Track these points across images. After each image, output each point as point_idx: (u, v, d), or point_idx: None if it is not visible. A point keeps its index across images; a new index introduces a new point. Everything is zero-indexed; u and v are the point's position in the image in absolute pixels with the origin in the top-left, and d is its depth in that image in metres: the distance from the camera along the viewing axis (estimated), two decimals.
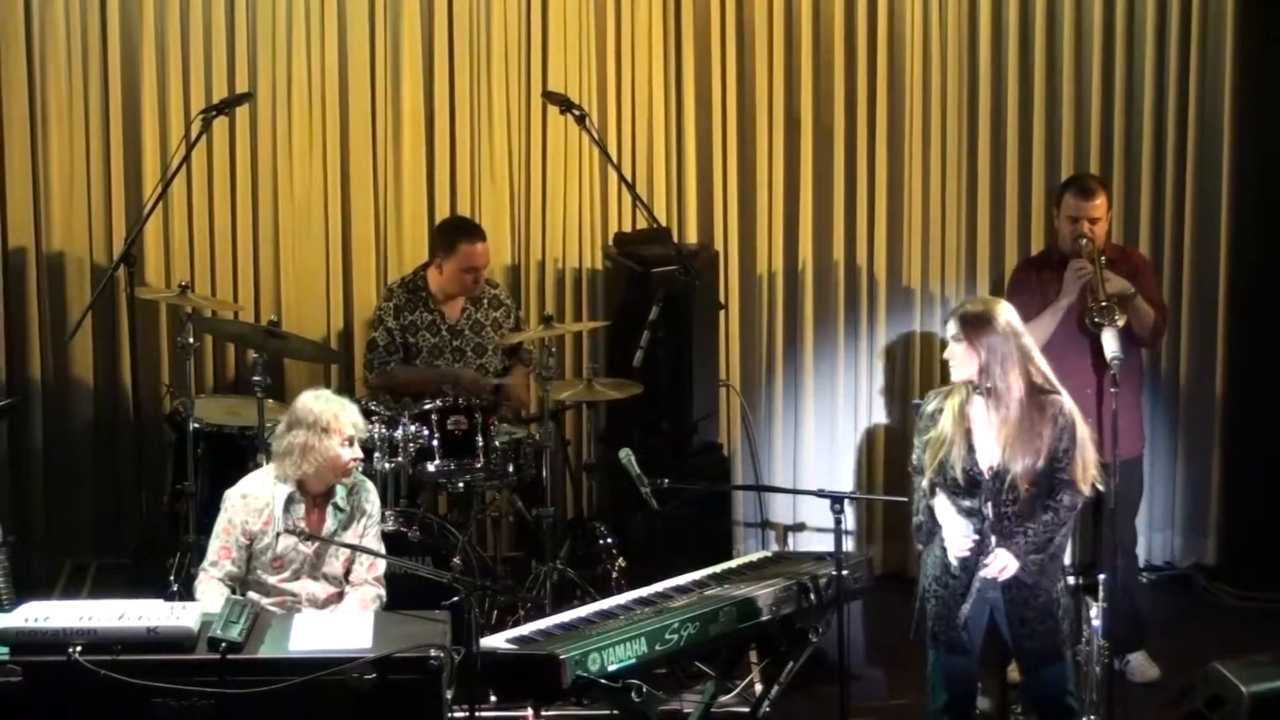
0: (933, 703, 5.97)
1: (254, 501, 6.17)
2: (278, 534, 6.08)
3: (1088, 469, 5.74)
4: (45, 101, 8.02)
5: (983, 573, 5.71)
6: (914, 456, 5.91)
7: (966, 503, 5.73)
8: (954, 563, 5.75)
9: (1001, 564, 5.70)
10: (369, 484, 6.34)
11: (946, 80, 8.32)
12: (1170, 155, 8.36)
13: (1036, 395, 5.71)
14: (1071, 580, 5.89)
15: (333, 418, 6.11)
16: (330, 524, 6.17)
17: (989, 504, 5.69)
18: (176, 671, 5.31)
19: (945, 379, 8.33)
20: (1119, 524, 6.89)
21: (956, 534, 5.74)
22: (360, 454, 6.17)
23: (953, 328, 5.75)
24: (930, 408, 5.84)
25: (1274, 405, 8.25)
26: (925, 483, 5.80)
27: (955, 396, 5.78)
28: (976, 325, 5.70)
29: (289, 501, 6.12)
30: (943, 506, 5.77)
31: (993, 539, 5.70)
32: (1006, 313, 5.76)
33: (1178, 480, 8.54)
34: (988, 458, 5.71)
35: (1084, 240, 7.07)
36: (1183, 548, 8.56)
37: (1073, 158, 8.33)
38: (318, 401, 6.17)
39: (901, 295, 8.43)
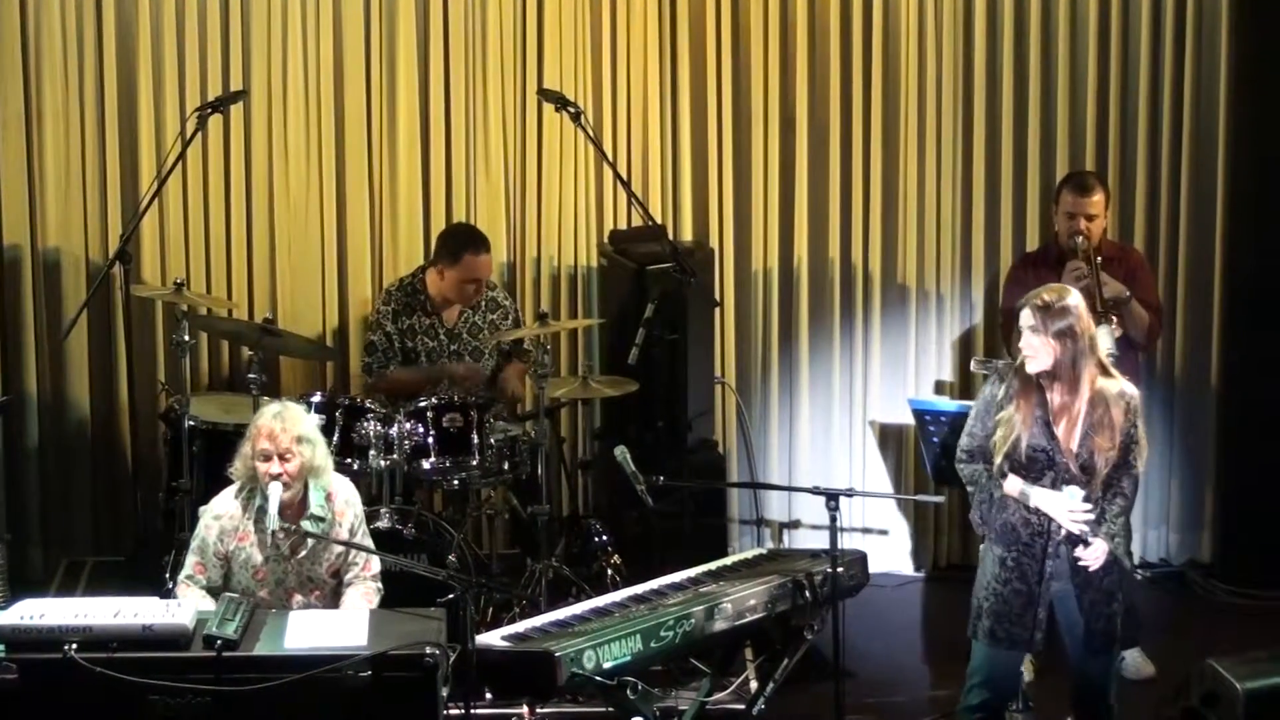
0: (967, 698, 5.97)
1: (228, 521, 6.13)
2: (273, 531, 6.04)
3: (1143, 455, 5.85)
4: (40, 99, 8.01)
5: (1082, 562, 5.77)
6: (968, 439, 5.90)
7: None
8: (1076, 529, 5.76)
9: (1098, 553, 5.77)
10: (345, 487, 6.26)
11: (942, 78, 8.32)
12: (1166, 152, 8.36)
13: (1107, 381, 5.79)
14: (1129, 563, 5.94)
15: (255, 430, 6.05)
16: (308, 540, 6.13)
17: (1062, 485, 5.76)
18: (172, 669, 5.32)
19: (942, 375, 8.39)
20: None
21: (1063, 505, 5.76)
22: (277, 469, 6.00)
23: (1029, 318, 5.76)
24: (999, 393, 5.84)
25: (1270, 402, 8.25)
26: (997, 464, 5.82)
27: (1020, 382, 5.79)
28: (1053, 316, 5.72)
29: (261, 513, 6.06)
30: (1037, 490, 5.78)
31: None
32: (1079, 303, 5.79)
33: (1173, 477, 8.55)
34: (1066, 442, 5.75)
35: (1080, 239, 7.06)
36: (1178, 545, 8.57)
37: (1068, 155, 8.33)
38: (260, 413, 6.13)
39: (896, 292, 8.43)
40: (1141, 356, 7.61)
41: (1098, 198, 7.19)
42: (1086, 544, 5.77)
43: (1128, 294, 7.07)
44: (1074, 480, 5.76)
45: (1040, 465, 5.78)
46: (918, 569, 8.48)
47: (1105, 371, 5.82)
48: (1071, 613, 5.86)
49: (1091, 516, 5.77)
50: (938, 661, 7.20)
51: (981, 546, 5.99)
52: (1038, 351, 5.75)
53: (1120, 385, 5.82)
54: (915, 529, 8.51)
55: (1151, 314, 7.22)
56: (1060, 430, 5.77)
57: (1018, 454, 5.78)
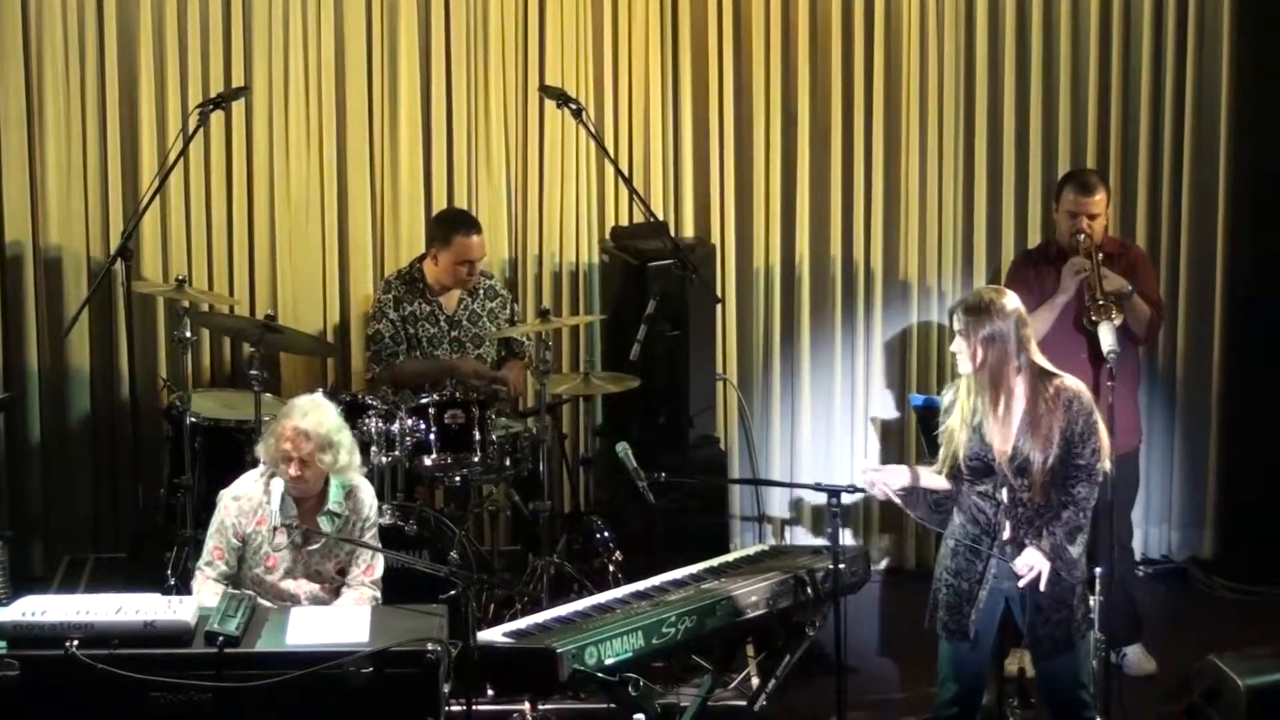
0: (941, 694, 5.98)
1: (246, 503, 6.15)
2: (274, 528, 6.06)
3: (1102, 452, 5.76)
4: (42, 95, 8.01)
5: (1015, 566, 5.72)
6: (940, 453, 5.90)
7: (980, 488, 5.76)
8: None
9: (1028, 563, 5.71)
10: (365, 487, 6.29)
11: (943, 75, 8.32)
12: (1167, 149, 8.37)
13: (1043, 382, 5.72)
14: (1084, 571, 5.88)
15: (281, 427, 6.05)
16: (325, 529, 6.15)
17: (1004, 489, 5.73)
18: (174, 665, 5.32)
19: (942, 372, 8.40)
20: (1114, 518, 6.89)
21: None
22: (297, 472, 6.01)
23: (957, 322, 5.75)
24: (946, 401, 5.85)
25: (1270, 398, 8.25)
26: (944, 471, 5.84)
27: (964, 387, 5.78)
28: (977, 318, 5.70)
29: (283, 500, 6.11)
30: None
31: (1007, 526, 5.72)
32: (1009, 303, 5.74)
33: (1174, 474, 8.55)
34: (999, 444, 5.71)
35: (1082, 236, 7.07)
36: (1179, 541, 8.57)
37: (1070, 151, 8.33)
38: (289, 409, 6.11)
39: (898, 289, 8.43)
40: (1141, 351, 7.61)
41: (1099, 197, 7.19)
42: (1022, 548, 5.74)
43: (1129, 288, 7.07)
44: (1010, 484, 5.72)
45: (979, 472, 5.76)
46: (919, 565, 8.48)
47: (1043, 372, 5.73)
48: (1027, 613, 5.84)
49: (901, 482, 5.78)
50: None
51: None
52: (963, 355, 5.73)
53: (1061, 382, 5.73)
54: (917, 525, 8.50)
55: (1152, 308, 7.23)
56: (994, 435, 5.72)
57: (959, 464, 5.78)
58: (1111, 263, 7.13)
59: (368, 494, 6.28)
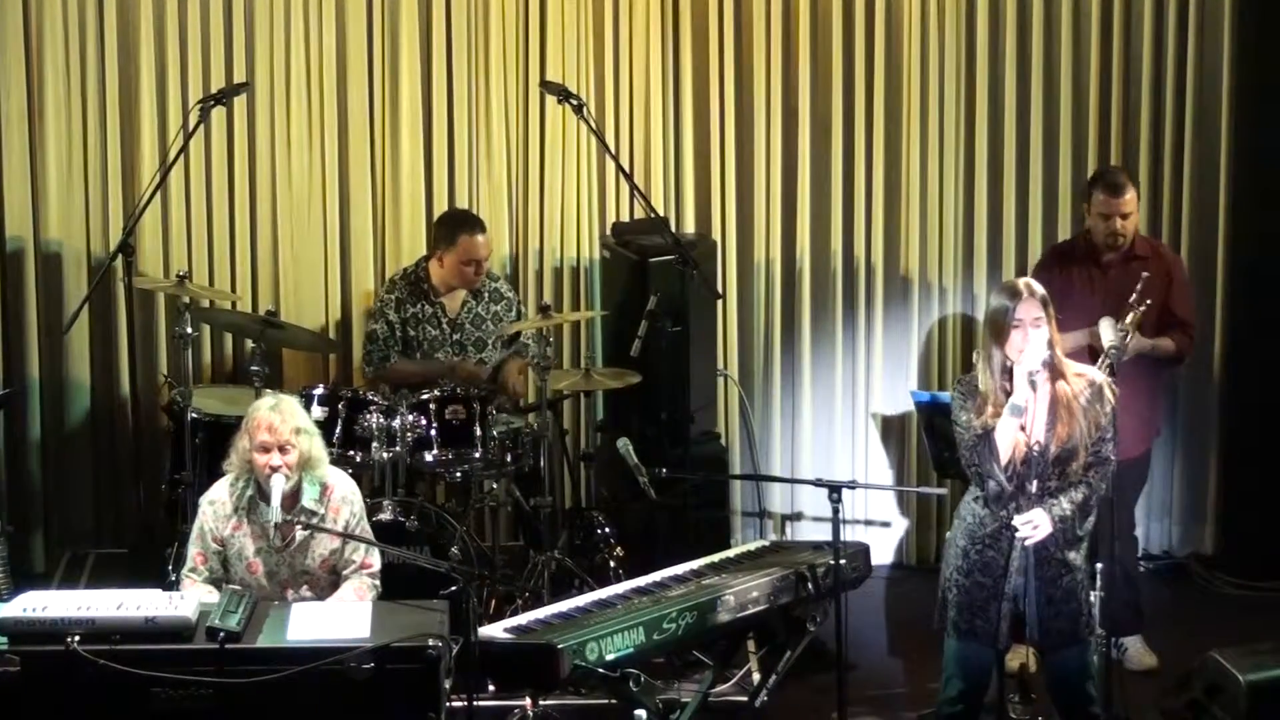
0: (945, 691, 5.98)
1: (222, 508, 6.14)
2: (275, 524, 6.03)
3: (1115, 443, 5.81)
4: (42, 92, 8.01)
5: (1016, 522, 5.69)
6: (963, 441, 5.84)
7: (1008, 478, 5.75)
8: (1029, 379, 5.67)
9: (1029, 518, 5.68)
10: (343, 482, 6.23)
11: (944, 70, 8.31)
12: (1168, 143, 8.35)
13: (1078, 375, 5.77)
14: (1099, 565, 5.90)
15: (254, 422, 6.04)
16: (300, 531, 6.10)
17: (1034, 480, 5.70)
18: (175, 661, 5.33)
19: (943, 368, 8.39)
20: (1120, 508, 6.88)
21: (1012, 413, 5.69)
22: (277, 461, 5.99)
23: (1037, 308, 5.69)
24: (962, 410, 5.80)
25: (1272, 393, 8.24)
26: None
27: (976, 390, 5.75)
28: (1049, 307, 5.71)
29: (252, 501, 6.08)
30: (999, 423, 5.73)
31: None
32: None
33: (1176, 469, 8.54)
34: (1036, 434, 5.69)
35: (1136, 309, 6.88)
36: (1181, 537, 8.57)
37: (1070, 146, 8.32)
38: (255, 407, 6.11)
39: (899, 285, 8.42)
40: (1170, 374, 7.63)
41: (1130, 195, 7.16)
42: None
43: (1150, 344, 7.02)
44: (1041, 475, 5.71)
45: (1014, 464, 5.75)
46: (920, 561, 8.48)
47: (1074, 365, 5.81)
48: (1040, 604, 5.82)
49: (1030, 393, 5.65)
50: (940, 654, 7.19)
51: (947, 536, 5.98)
52: (1042, 344, 5.70)
53: (1089, 376, 5.78)
54: (917, 521, 8.51)
55: (1180, 333, 7.16)
56: (1035, 423, 5.71)
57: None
58: (1143, 266, 7.02)
59: (349, 489, 6.23)
